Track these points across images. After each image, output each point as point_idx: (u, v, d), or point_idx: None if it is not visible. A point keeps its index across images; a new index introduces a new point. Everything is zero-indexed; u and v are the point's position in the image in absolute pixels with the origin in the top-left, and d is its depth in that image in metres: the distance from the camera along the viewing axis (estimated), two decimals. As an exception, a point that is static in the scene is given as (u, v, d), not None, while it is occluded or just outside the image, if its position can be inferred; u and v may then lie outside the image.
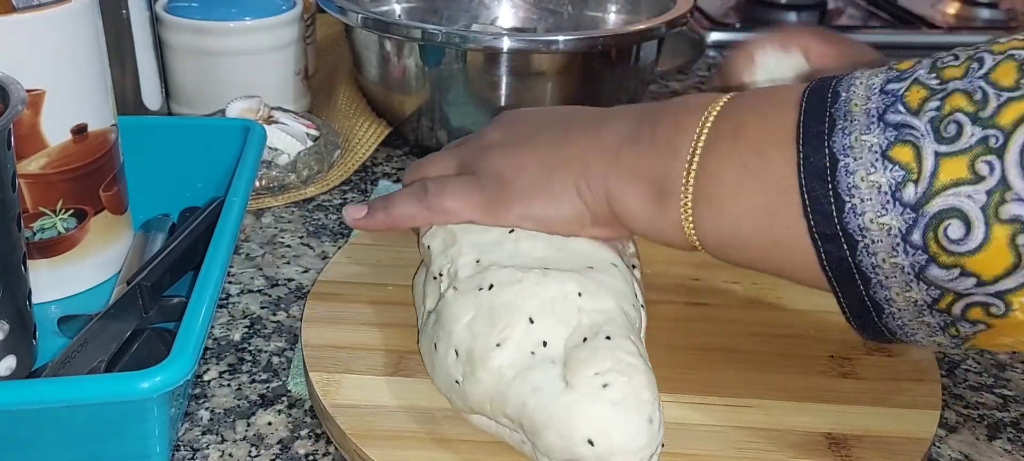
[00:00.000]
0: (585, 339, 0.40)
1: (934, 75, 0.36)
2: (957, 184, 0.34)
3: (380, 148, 0.76)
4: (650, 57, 0.75)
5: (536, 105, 0.71)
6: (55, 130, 0.49)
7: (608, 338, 0.40)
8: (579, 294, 0.42)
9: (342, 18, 0.72)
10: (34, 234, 0.51)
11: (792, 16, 1.49)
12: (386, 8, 0.84)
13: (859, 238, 0.37)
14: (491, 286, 0.43)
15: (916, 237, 0.35)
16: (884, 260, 0.36)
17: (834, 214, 0.37)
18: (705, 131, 0.42)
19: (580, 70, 0.70)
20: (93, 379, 0.42)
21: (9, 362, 0.44)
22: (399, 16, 0.85)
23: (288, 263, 0.60)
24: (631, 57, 0.72)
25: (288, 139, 0.68)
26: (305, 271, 0.59)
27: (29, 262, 0.46)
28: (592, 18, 0.87)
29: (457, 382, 0.42)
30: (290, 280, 0.58)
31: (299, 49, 0.77)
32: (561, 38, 0.68)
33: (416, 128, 0.75)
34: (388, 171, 0.73)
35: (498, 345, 0.41)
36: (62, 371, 0.44)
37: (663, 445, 0.39)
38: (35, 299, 0.47)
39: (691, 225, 0.42)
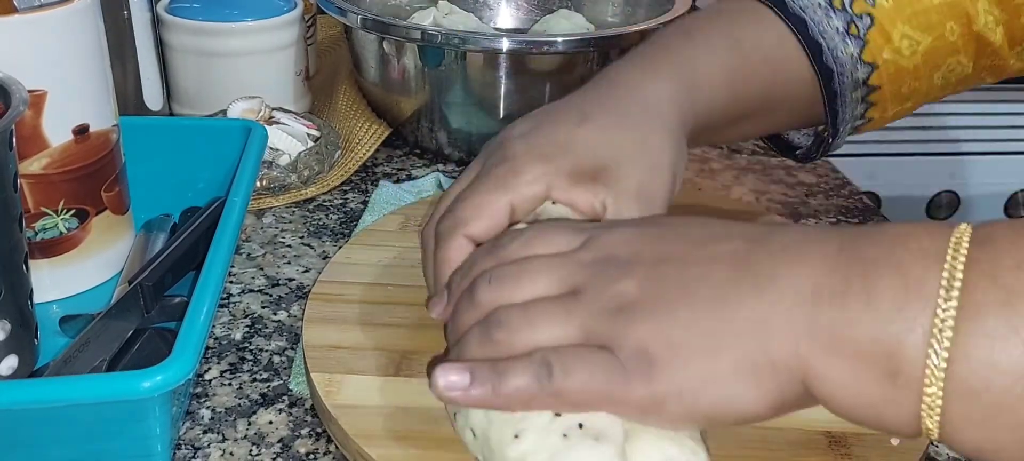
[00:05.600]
0: None
1: None
2: None
3: (380, 148, 0.76)
4: (650, 57, 0.75)
5: (536, 106, 0.71)
6: (57, 130, 0.50)
7: None
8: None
9: (342, 19, 0.72)
10: (36, 234, 0.51)
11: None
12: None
13: None
14: None
15: None
16: None
17: None
18: (954, 294, 0.31)
19: (579, 71, 0.70)
20: (95, 378, 0.42)
21: (11, 362, 0.44)
22: (398, 17, 0.85)
23: (289, 263, 0.60)
24: (631, 58, 0.72)
25: (289, 139, 0.68)
26: (306, 271, 0.59)
27: (31, 262, 0.46)
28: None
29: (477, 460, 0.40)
30: (291, 280, 0.58)
31: (300, 50, 0.77)
32: (560, 38, 0.68)
33: (416, 129, 0.75)
34: (388, 171, 0.73)
35: (516, 436, 0.37)
36: (64, 371, 0.44)
37: None
38: (37, 299, 0.47)
39: (936, 421, 0.32)
